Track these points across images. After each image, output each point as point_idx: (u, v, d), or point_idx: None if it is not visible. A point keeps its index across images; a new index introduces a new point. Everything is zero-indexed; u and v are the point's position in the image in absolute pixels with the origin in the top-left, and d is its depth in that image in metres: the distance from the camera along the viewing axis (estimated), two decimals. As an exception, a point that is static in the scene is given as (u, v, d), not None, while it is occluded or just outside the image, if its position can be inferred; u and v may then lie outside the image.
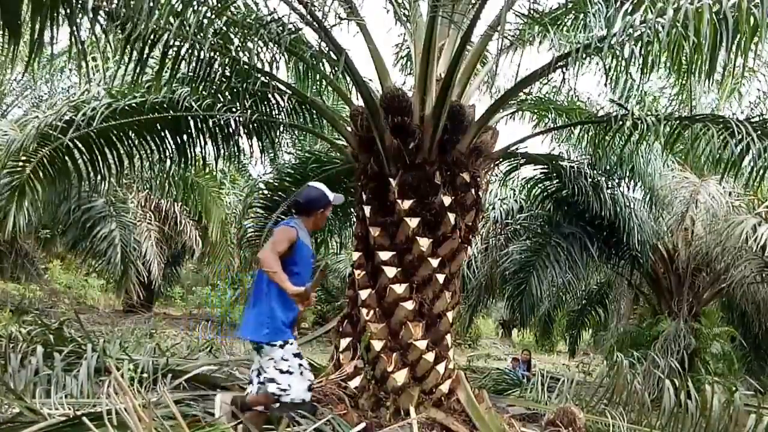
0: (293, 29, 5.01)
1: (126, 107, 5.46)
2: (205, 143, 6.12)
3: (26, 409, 3.59)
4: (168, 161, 6.24)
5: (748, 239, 7.35)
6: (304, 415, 3.98)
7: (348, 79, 5.76)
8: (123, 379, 4.35)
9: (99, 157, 5.79)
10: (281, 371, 3.52)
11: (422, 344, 4.89)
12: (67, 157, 5.71)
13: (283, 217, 3.70)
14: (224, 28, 4.91)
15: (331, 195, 3.92)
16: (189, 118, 5.82)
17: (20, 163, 5.73)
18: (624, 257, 9.27)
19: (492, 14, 5.41)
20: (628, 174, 7.95)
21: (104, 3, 3.98)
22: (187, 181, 11.31)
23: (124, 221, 11.51)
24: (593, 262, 9.33)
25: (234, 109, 5.78)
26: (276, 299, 3.54)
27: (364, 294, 5.03)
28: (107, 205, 11.19)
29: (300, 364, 3.59)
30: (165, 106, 5.60)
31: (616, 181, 8.16)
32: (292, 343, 3.60)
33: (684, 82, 4.81)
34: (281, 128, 6.70)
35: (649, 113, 5.76)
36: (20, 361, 4.38)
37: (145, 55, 4.69)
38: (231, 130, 6.12)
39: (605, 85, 4.90)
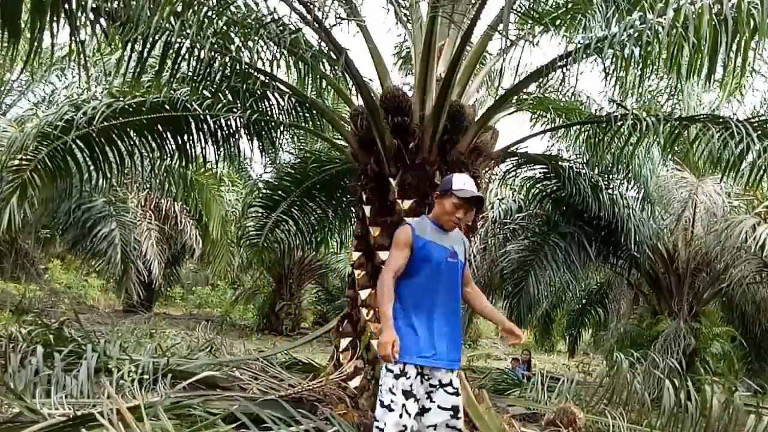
0: (293, 29, 5.01)
1: (126, 107, 5.46)
2: (205, 143, 6.11)
3: (26, 409, 3.59)
4: (168, 161, 6.25)
5: (747, 239, 7.35)
6: (305, 415, 3.98)
7: (348, 79, 5.76)
8: (123, 380, 4.37)
9: (100, 156, 5.79)
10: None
11: (422, 344, 4.88)
12: (68, 156, 5.71)
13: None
14: (224, 27, 4.91)
15: (458, 183, 3.00)
16: (189, 117, 5.82)
17: (21, 162, 5.73)
18: (622, 257, 9.27)
19: (492, 14, 5.42)
20: (624, 174, 7.94)
21: (105, 3, 3.98)
22: (186, 179, 11.31)
23: (124, 221, 11.52)
24: (591, 262, 9.33)
25: (234, 109, 5.78)
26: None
27: (364, 294, 5.03)
28: (107, 205, 11.19)
29: None
30: (165, 105, 5.60)
31: (615, 181, 8.16)
32: None
33: (683, 82, 4.80)
34: (281, 128, 6.69)
35: (648, 113, 5.76)
36: (20, 361, 4.38)
37: (145, 55, 4.70)
38: (231, 130, 6.12)
39: (605, 85, 4.89)
